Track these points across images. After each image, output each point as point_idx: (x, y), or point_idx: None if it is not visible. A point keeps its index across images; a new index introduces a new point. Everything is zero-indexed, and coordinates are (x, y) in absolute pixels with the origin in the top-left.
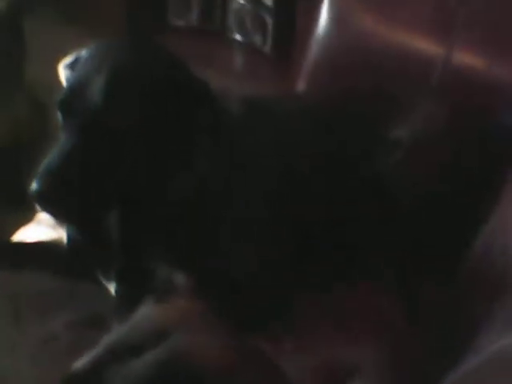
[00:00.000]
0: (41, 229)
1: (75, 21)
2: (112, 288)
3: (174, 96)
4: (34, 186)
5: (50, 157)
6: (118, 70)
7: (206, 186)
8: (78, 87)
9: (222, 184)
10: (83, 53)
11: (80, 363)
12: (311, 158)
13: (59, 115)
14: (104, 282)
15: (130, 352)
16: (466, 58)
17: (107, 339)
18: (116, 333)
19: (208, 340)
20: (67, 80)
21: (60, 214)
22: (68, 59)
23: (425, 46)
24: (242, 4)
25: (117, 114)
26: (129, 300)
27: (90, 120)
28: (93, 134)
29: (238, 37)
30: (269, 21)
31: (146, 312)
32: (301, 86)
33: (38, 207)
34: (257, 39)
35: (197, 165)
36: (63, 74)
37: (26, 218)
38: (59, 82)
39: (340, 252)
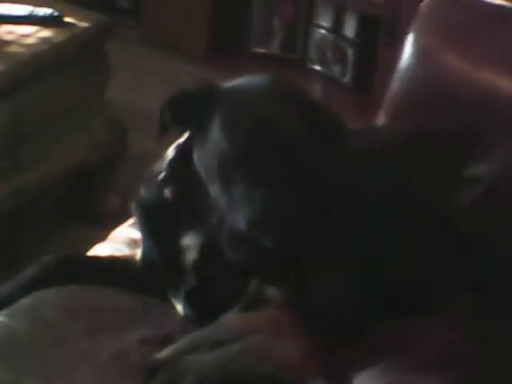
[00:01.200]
0: (115, 245)
1: (155, 43)
2: (180, 308)
3: None
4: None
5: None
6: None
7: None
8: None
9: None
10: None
11: (163, 353)
12: (389, 197)
13: None
14: (173, 302)
15: (210, 347)
16: None
17: (192, 335)
18: (200, 330)
19: (286, 343)
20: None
21: None
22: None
23: (508, 85)
24: (323, 34)
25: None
26: (196, 320)
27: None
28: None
29: (318, 67)
30: (349, 52)
31: (232, 316)
32: (381, 118)
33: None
34: (337, 70)
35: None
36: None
37: (95, 233)
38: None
39: (416, 287)
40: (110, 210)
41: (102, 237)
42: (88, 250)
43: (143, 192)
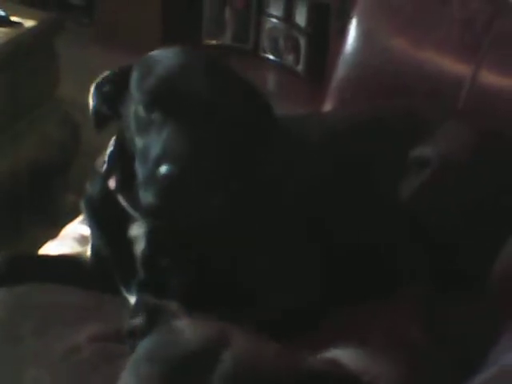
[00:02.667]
0: (66, 242)
1: (109, 39)
2: (132, 301)
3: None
4: (164, 169)
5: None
6: (214, 67)
7: (240, 203)
8: (175, 82)
9: (255, 203)
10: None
11: None
12: (336, 180)
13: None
14: (125, 295)
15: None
16: (492, 78)
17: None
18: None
19: (263, 349)
20: (157, 76)
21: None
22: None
23: (452, 66)
24: (275, 23)
25: (224, 109)
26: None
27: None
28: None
29: (271, 56)
30: (302, 40)
31: (182, 327)
32: (328, 103)
33: (161, 192)
34: (290, 59)
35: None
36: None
37: (53, 232)
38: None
39: (365, 270)
40: (66, 207)
41: (53, 234)
42: (39, 247)
43: (89, 187)
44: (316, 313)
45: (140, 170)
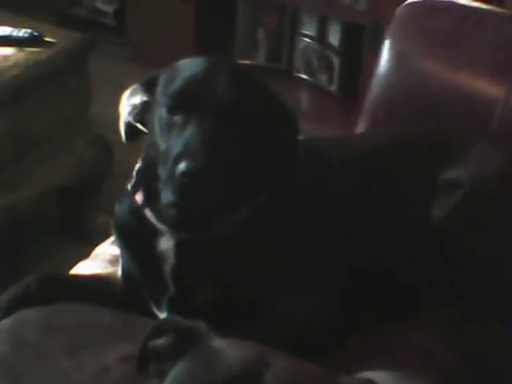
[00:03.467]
0: (97, 263)
1: (141, 59)
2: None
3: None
4: (182, 165)
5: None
6: (238, 73)
7: (266, 217)
8: (198, 86)
9: (281, 218)
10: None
11: None
12: (363, 200)
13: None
14: (156, 313)
15: None
16: None
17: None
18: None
19: (302, 368)
20: (180, 79)
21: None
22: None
23: (485, 88)
24: (308, 43)
25: (246, 112)
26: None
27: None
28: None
29: (304, 76)
30: (335, 60)
31: (218, 348)
32: (361, 125)
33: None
34: (323, 78)
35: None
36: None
37: (84, 252)
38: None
39: (391, 290)
40: (98, 227)
41: (84, 255)
42: (70, 267)
43: (118, 207)
44: (340, 331)
45: (162, 172)
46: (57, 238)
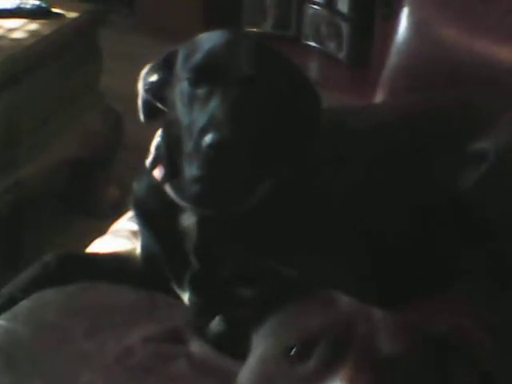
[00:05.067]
0: (115, 240)
1: (149, 29)
2: (186, 297)
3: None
4: (208, 137)
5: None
6: (258, 44)
7: (289, 191)
8: (220, 58)
9: (304, 192)
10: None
11: None
12: (389, 172)
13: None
14: (178, 292)
15: None
16: None
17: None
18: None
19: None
20: (202, 52)
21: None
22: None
23: (507, 55)
24: (317, 10)
25: (269, 83)
26: (203, 309)
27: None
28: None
29: (313, 43)
30: (344, 27)
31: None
32: (379, 94)
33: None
34: (332, 46)
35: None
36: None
37: (95, 225)
38: (134, 92)
39: (420, 267)
40: (109, 201)
41: (102, 229)
42: (89, 243)
43: (136, 184)
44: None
45: (185, 146)
46: (67, 212)
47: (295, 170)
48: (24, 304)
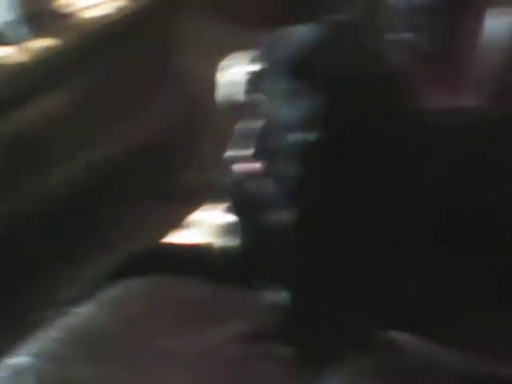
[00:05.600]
0: (196, 231)
1: (228, 10)
2: (269, 295)
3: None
4: (301, 136)
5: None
6: (354, 41)
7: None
8: (316, 54)
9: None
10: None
11: None
12: (479, 173)
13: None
14: (260, 289)
15: None
16: None
17: None
18: None
19: None
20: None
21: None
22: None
23: None
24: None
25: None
26: (286, 308)
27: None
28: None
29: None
30: (430, 20)
31: None
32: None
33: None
34: (415, 38)
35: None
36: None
37: (173, 212)
38: (211, 76)
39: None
40: (187, 185)
41: (181, 214)
42: (168, 228)
43: (229, 173)
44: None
45: (279, 141)
46: (145, 197)
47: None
48: (110, 293)
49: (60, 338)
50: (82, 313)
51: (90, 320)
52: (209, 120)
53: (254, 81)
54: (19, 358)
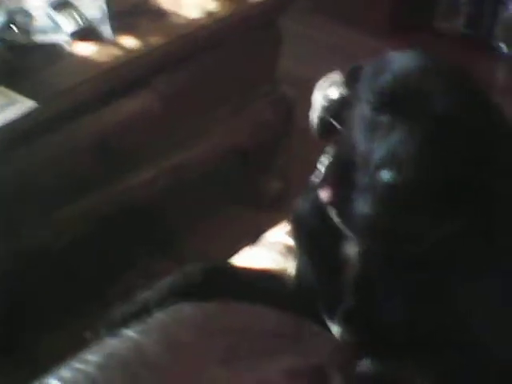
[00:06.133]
0: (267, 253)
1: (330, 12)
2: (336, 330)
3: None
4: (385, 174)
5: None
6: (456, 76)
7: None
8: (410, 86)
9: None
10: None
11: None
12: None
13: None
14: (328, 323)
15: None
16: None
17: None
18: None
19: None
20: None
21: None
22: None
23: None
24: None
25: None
26: (354, 348)
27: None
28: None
29: (503, 48)
30: None
31: None
32: None
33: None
34: None
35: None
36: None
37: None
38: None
39: None
40: (270, 193)
41: (260, 221)
42: (244, 231)
43: (300, 201)
44: None
45: (359, 177)
46: (226, 201)
47: (481, 213)
48: (158, 317)
49: (99, 362)
50: (131, 335)
51: (135, 345)
52: (299, 131)
53: (342, 106)
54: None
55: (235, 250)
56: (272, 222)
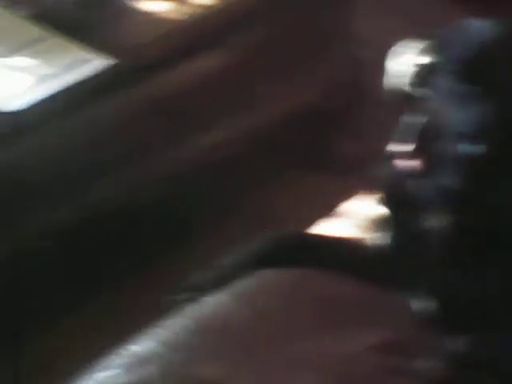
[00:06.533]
0: (345, 223)
1: None
2: (417, 305)
3: None
4: (469, 148)
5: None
6: None
7: None
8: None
9: None
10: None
11: None
12: None
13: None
14: (410, 297)
15: None
16: None
17: None
18: None
19: None
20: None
21: None
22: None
23: None
24: None
25: None
26: (435, 324)
27: None
28: None
29: None
30: None
31: None
32: None
33: None
34: None
35: None
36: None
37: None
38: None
39: None
40: (346, 156)
41: (335, 186)
42: (318, 196)
43: (387, 167)
44: None
45: (443, 149)
46: (297, 164)
47: None
48: (245, 282)
49: (188, 327)
50: (214, 302)
51: (222, 311)
52: (373, 91)
53: (423, 74)
54: (144, 345)
55: (311, 220)
56: (348, 190)
